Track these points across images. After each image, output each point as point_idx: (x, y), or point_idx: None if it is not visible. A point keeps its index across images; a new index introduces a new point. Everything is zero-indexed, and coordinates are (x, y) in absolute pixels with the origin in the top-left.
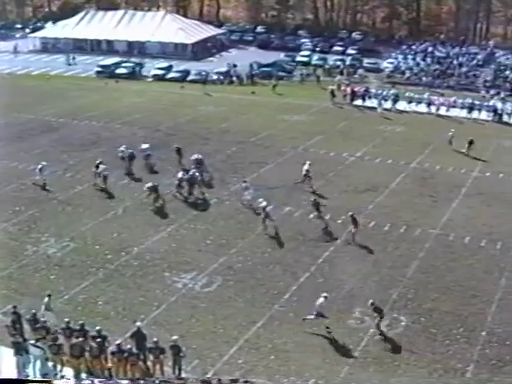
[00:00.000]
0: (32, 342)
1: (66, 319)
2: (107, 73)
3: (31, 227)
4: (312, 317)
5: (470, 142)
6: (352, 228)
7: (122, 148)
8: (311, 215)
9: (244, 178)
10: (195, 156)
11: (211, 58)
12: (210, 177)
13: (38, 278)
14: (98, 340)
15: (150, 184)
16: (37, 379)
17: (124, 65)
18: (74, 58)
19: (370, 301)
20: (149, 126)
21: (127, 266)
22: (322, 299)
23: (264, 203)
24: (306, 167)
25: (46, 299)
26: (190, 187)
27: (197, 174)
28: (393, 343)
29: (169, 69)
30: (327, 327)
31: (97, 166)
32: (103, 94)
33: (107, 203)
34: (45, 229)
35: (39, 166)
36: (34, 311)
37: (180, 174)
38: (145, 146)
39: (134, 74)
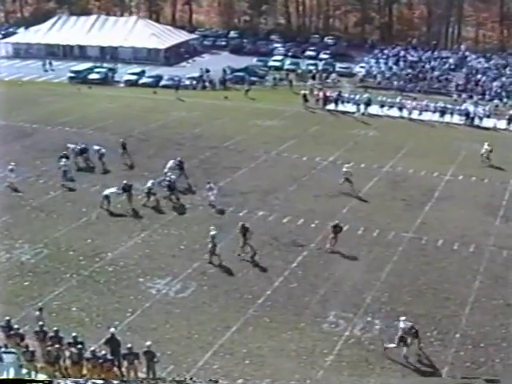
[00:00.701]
0: (4, 349)
1: (40, 322)
2: (80, 78)
3: (4, 234)
4: (393, 345)
5: (490, 151)
6: (331, 236)
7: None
8: (284, 219)
9: (208, 180)
10: (178, 159)
11: (184, 64)
12: (188, 182)
13: (12, 284)
14: (79, 346)
15: (149, 184)
16: (37, 379)
17: (96, 70)
18: (50, 64)
19: (409, 324)
20: (121, 132)
21: (101, 272)
22: (402, 324)
23: (213, 232)
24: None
25: (38, 313)
26: (170, 192)
27: (174, 177)
28: (367, 347)
29: (141, 74)
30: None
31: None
32: (76, 100)
33: (80, 209)
34: (18, 235)
35: (9, 167)
36: (7, 318)
37: (149, 183)
38: (97, 147)
39: (106, 80)
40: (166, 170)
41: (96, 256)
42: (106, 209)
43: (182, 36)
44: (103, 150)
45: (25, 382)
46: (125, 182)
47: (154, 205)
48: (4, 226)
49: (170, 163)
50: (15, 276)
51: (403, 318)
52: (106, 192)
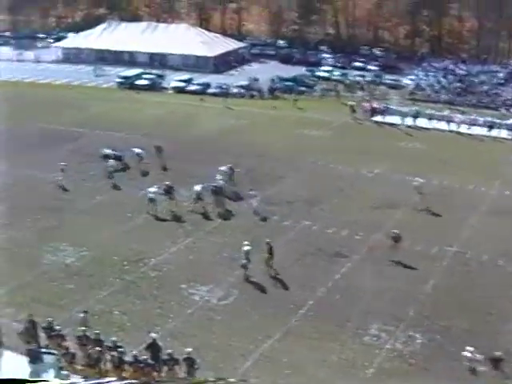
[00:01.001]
0: (46, 349)
1: (83, 327)
2: (128, 84)
3: (50, 236)
4: None
5: None
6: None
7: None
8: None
9: (251, 187)
10: (229, 166)
11: (232, 72)
12: (235, 189)
13: (55, 286)
14: (118, 350)
15: (198, 188)
16: (37, 379)
17: (145, 76)
18: (102, 69)
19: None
20: (168, 138)
21: (144, 277)
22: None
23: (247, 248)
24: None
25: (82, 315)
26: (215, 198)
27: (222, 183)
28: (408, 360)
29: (189, 81)
30: None
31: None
32: (124, 105)
33: (126, 214)
34: (63, 238)
35: (61, 167)
36: (49, 319)
37: (198, 188)
38: (137, 150)
39: (154, 86)
40: (217, 176)
41: (140, 261)
42: (153, 213)
43: (230, 44)
44: (143, 153)
45: (25, 382)
46: (166, 183)
47: (201, 211)
48: (50, 229)
49: (223, 168)
50: (59, 278)
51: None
52: (151, 195)
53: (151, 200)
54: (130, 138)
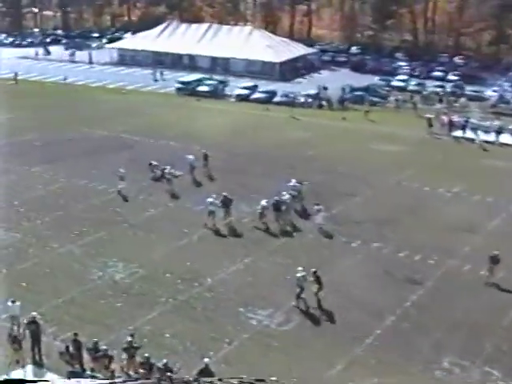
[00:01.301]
0: (90, 373)
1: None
2: (188, 90)
3: (98, 250)
4: None
5: None
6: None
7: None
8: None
9: (316, 201)
10: (295, 180)
11: (300, 79)
12: (301, 205)
13: (103, 304)
14: (168, 374)
15: (263, 203)
16: (37, 379)
17: (206, 82)
18: (161, 74)
19: None
20: (229, 150)
21: (199, 298)
22: None
23: (300, 274)
24: None
25: (129, 339)
26: (279, 214)
27: (288, 198)
28: None
29: (254, 89)
30: None
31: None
32: (182, 113)
33: (181, 229)
34: (113, 253)
35: (119, 174)
36: (95, 340)
37: (264, 202)
38: (191, 157)
39: (216, 93)
40: (284, 191)
41: (194, 280)
42: (210, 227)
43: (299, 50)
44: (196, 163)
45: (25, 382)
46: (224, 194)
47: (264, 227)
48: (99, 243)
49: (291, 183)
50: (107, 296)
51: None
52: (210, 207)
53: (210, 213)
54: (187, 148)
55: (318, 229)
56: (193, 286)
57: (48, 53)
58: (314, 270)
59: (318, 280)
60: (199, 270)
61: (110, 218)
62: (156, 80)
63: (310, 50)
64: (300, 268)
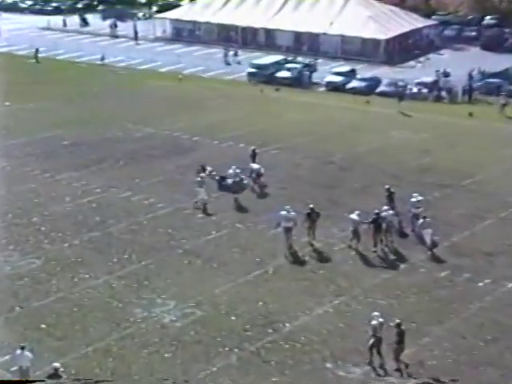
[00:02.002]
0: None
1: None
2: (263, 76)
3: (142, 284)
4: None
5: None
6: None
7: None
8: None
9: (424, 215)
10: (417, 196)
11: (412, 63)
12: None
13: (147, 355)
14: None
15: (354, 216)
16: (36, 379)
17: (288, 66)
18: (236, 54)
19: None
20: (317, 155)
21: (274, 348)
22: None
23: (376, 321)
24: None
25: None
26: (379, 235)
27: (386, 214)
28: None
29: (350, 75)
30: None
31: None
32: (256, 106)
33: (252, 258)
34: (162, 288)
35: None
36: None
37: (354, 216)
38: (256, 166)
39: (300, 80)
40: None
41: (268, 326)
42: (287, 253)
43: (412, 22)
44: (262, 170)
45: (25, 382)
46: (311, 206)
47: (359, 254)
48: (144, 274)
49: (416, 197)
50: (153, 343)
51: None
52: (286, 224)
53: (287, 231)
54: (262, 154)
55: (429, 259)
56: (266, 332)
57: (85, 23)
58: (397, 321)
59: (400, 337)
60: (274, 311)
61: (160, 241)
62: (228, 63)
63: (428, 23)
64: (376, 313)
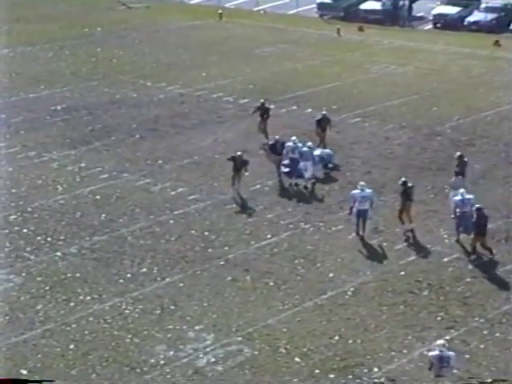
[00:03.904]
0: None
1: None
2: (340, 9)
3: (168, 310)
4: None
5: None
6: None
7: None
8: None
9: None
10: None
11: None
12: None
13: None
14: None
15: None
16: (37, 379)
17: None
18: None
19: None
20: (418, 125)
21: None
22: None
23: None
24: None
25: None
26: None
27: None
28: None
29: (471, 4)
30: None
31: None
32: (330, 54)
33: (324, 273)
34: (195, 315)
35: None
36: None
37: (457, 198)
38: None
39: (394, 15)
40: None
41: (348, 371)
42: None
43: None
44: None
45: (25, 382)
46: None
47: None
48: (169, 295)
49: None
50: None
51: None
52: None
53: (360, 214)
54: (343, 123)
55: None
56: (347, 379)
57: None
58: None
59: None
60: (356, 350)
61: (193, 249)
62: None
63: None
64: (442, 342)
